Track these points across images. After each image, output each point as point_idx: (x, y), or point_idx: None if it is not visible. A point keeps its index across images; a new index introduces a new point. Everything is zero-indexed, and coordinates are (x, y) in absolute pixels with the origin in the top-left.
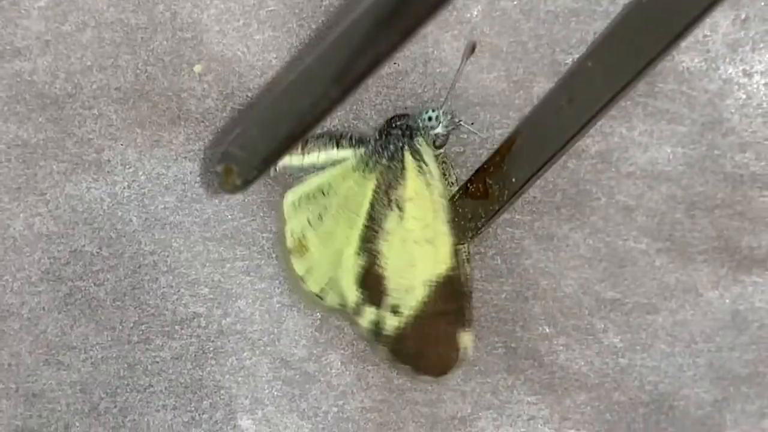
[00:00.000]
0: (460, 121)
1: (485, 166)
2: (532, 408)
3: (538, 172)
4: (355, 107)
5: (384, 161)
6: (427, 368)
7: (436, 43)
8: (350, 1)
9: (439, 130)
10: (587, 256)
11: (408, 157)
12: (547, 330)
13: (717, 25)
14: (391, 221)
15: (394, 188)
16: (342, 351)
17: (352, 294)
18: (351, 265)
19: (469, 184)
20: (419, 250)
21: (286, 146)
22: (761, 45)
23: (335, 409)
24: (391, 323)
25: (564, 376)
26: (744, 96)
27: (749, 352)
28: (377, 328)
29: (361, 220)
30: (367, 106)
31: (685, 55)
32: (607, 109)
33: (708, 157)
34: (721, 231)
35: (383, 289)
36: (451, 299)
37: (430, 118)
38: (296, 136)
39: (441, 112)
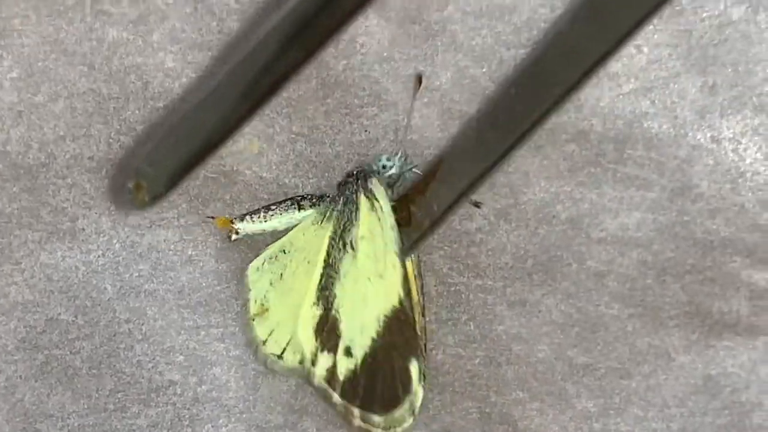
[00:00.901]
0: (415, 165)
1: (409, 193)
2: None
3: (458, 200)
4: (326, 174)
5: (339, 206)
6: (377, 405)
7: (406, 111)
8: (256, 20)
9: (394, 171)
10: (560, 322)
11: (361, 198)
12: (521, 395)
13: (685, 92)
14: (345, 263)
15: (348, 230)
16: (318, 417)
17: (310, 345)
18: (309, 316)
19: (394, 211)
20: (371, 287)
21: (194, 163)
22: (729, 111)
23: None
24: (345, 366)
25: None
26: (713, 162)
27: (722, 417)
28: (331, 374)
29: (318, 270)
30: (338, 172)
31: (654, 122)
32: (527, 136)
33: (678, 223)
34: (692, 296)
35: (338, 332)
36: (402, 330)
37: (384, 166)
38: (204, 153)
39: (396, 156)
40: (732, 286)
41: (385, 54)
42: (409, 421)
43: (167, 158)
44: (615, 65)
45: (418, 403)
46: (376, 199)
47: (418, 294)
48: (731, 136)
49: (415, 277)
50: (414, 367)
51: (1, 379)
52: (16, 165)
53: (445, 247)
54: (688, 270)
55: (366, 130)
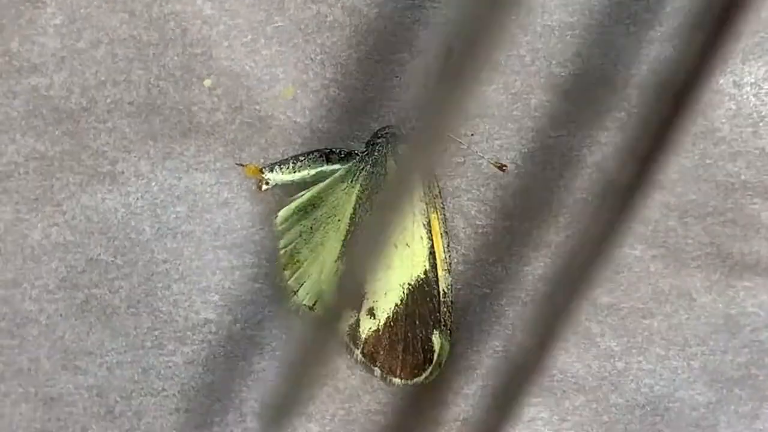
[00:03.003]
0: None
1: None
2: (531, 410)
3: None
4: (359, 119)
5: (368, 168)
6: (398, 371)
7: (437, 57)
8: None
9: None
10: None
11: (390, 163)
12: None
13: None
14: None
15: (376, 192)
16: (348, 355)
17: (334, 299)
18: (334, 270)
19: None
20: (397, 253)
21: None
22: (750, 56)
23: (342, 412)
24: (368, 326)
25: (563, 379)
26: (734, 106)
27: (742, 355)
28: (354, 331)
29: (344, 227)
30: (370, 118)
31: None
32: None
33: (700, 166)
34: (714, 238)
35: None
36: (425, 302)
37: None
38: None
39: None
40: (752, 227)
41: (416, 1)
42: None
43: None
44: (641, 12)
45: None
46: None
47: (444, 252)
48: (753, 81)
49: (441, 235)
50: (436, 339)
51: (42, 318)
52: (58, 109)
53: (473, 191)
54: (709, 212)
55: (397, 76)
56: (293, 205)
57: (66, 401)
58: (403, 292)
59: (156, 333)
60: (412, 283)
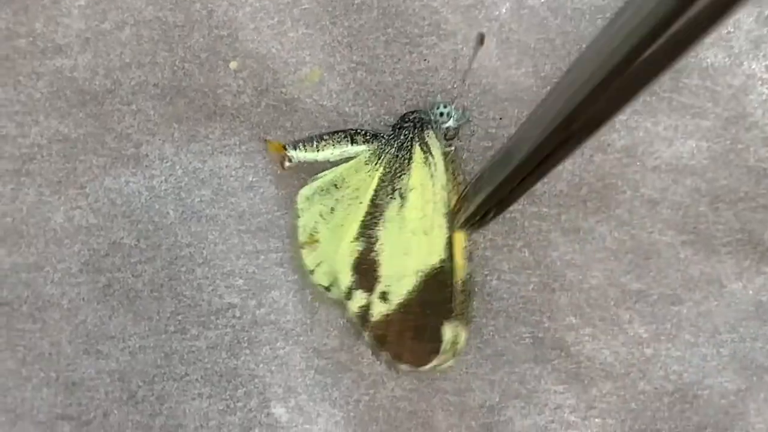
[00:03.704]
0: (469, 119)
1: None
2: (558, 397)
3: (483, 204)
4: (386, 103)
5: (393, 151)
6: (407, 357)
7: (465, 40)
8: None
9: (450, 123)
10: (613, 249)
11: (416, 148)
12: (574, 321)
13: (740, 22)
14: (392, 209)
15: (399, 177)
16: (356, 336)
17: (346, 278)
18: (349, 250)
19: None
20: (415, 240)
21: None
22: None
23: (366, 398)
24: (379, 310)
25: (590, 366)
26: (767, 91)
27: None
28: (365, 313)
29: (364, 208)
30: (398, 101)
31: (709, 51)
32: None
33: (732, 151)
34: (745, 223)
35: (376, 275)
36: (439, 291)
37: (441, 114)
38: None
39: (453, 107)
40: None
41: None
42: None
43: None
44: None
45: (444, 366)
46: (431, 154)
47: (464, 241)
48: None
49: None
50: (447, 330)
51: (64, 301)
52: (82, 91)
53: None
54: (741, 197)
55: (425, 60)
56: (315, 184)
57: (88, 386)
58: (418, 279)
59: (179, 317)
60: (427, 271)
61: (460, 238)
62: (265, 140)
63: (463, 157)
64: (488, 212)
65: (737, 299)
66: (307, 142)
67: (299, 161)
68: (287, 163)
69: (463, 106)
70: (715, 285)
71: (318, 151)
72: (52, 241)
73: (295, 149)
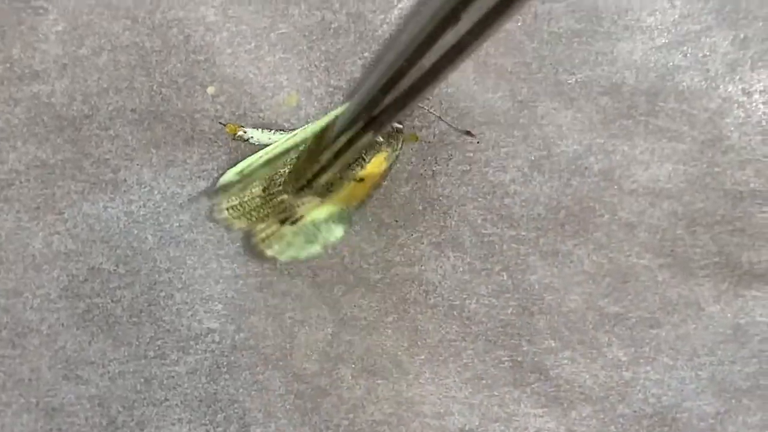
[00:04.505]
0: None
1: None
2: (538, 420)
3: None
4: None
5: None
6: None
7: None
8: None
9: None
10: (591, 272)
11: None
12: (553, 344)
13: (716, 45)
14: None
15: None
16: (352, 365)
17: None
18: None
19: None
20: None
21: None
22: (760, 64)
23: (346, 422)
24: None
25: (569, 389)
26: (743, 114)
27: (750, 366)
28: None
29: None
30: None
31: (685, 75)
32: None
33: (708, 174)
34: (722, 246)
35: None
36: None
37: None
38: None
39: None
40: (762, 236)
41: None
42: (317, 252)
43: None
44: (648, 19)
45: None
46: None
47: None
48: (762, 88)
49: (387, 168)
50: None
51: (43, 327)
52: (60, 117)
53: (479, 199)
54: (718, 220)
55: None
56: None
57: (67, 411)
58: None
59: (158, 342)
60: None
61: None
62: (223, 124)
63: (441, 182)
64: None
65: (715, 322)
66: (264, 128)
67: (251, 137)
68: (240, 133)
69: None
70: (693, 308)
71: (272, 133)
72: (31, 266)
73: (251, 129)
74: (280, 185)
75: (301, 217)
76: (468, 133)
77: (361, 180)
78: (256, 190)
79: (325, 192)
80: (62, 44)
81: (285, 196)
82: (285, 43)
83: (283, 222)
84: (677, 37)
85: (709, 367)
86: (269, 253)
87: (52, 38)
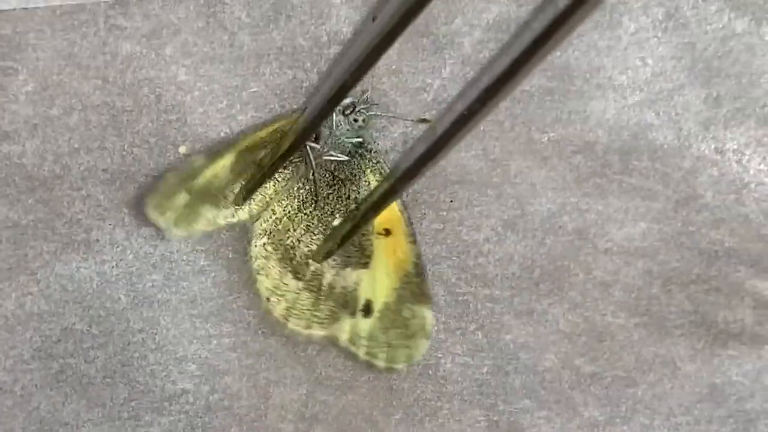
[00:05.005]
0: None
1: None
2: None
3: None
4: None
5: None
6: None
7: (414, 123)
8: None
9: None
10: (566, 331)
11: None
12: (528, 403)
13: (689, 104)
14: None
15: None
16: (328, 425)
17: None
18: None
19: None
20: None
21: None
22: (733, 123)
23: None
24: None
25: None
26: (717, 173)
27: (727, 425)
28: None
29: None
30: None
31: (659, 133)
32: None
33: (683, 233)
34: (698, 305)
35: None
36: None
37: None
38: None
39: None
40: (737, 295)
41: (393, 67)
42: (425, 345)
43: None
44: (620, 77)
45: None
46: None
47: (407, 225)
48: (735, 147)
49: (401, 210)
50: (428, 313)
51: (17, 388)
52: (31, 177)
53: (453, 258)
54: (693, 280)
55: (376, 142)
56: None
57: None
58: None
59: (133, 404)
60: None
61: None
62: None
63: (417, 240)
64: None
65: (692, 381)
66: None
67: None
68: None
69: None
70: (670, 367)
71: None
72: (4, 328)
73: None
74: (301, 258)
75: (368, 302)
76: (423, 120)
77: (387, 233)
78: (291, 282)
79: (361, 257)
80: (32, 104)
81: (318, 267)
82: (257, 102)
83: (352, 314)
84: (650, 95)
85: (685, 427)
86: (380, 364)
87: (22, 98)
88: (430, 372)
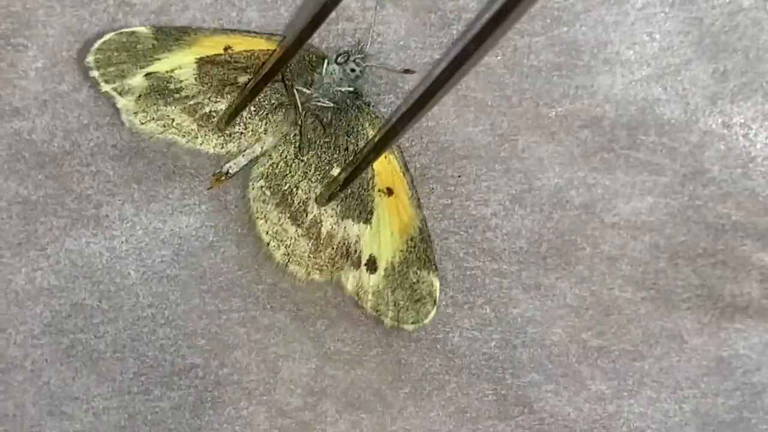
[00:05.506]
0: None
1: None
2: None
3: None
4: None
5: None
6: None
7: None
8: None
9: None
10: (574, 305)
11: None
12: (536, 377)
13: (696, 78)
14: None
15: None
16: (336, 399)
17: None
18: None
19: None
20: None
21: None
22: (740, 96)
23: None
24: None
25: (553, 423)
26: (724, 147)
27: (734, 398)
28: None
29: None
30: None
31: (666, 108)
32: None
33: (690, 208)
34: (704, 279)
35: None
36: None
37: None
38: None
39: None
40: (743, 269)
41: (401, 43)
42: (433, 311)
43: None
44: (627, 52)
45: (438, 294)
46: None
47: (409, 188)
48: (742, 121)
49: (402, 172)
50: (434, 278)
51: (27, 363)
52: (41, 153)
53: (461, 232)
54: (700, 253)
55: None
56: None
57: None
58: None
59: (142, 378)
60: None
61: (399, 168)
62: (209, 188)
63: (421, 205)
64: None
65: (698, 355)
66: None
67: (230, 169)
68: (224, 178)
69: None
70: (677, 341)
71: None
72: (14, 303)
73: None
74: (299, 204)
75: (372, 257)
76: (407, 71)
77: (390, 192)
78: (290, 228)
79: (362, 211)
80: (42, 81)
81: (317, 214)
82: None
83: (355, 266)
84: (657, 70)
85: (692, 400)
86: (388, 322)
87: (32, 75)
88: (438, 346)
